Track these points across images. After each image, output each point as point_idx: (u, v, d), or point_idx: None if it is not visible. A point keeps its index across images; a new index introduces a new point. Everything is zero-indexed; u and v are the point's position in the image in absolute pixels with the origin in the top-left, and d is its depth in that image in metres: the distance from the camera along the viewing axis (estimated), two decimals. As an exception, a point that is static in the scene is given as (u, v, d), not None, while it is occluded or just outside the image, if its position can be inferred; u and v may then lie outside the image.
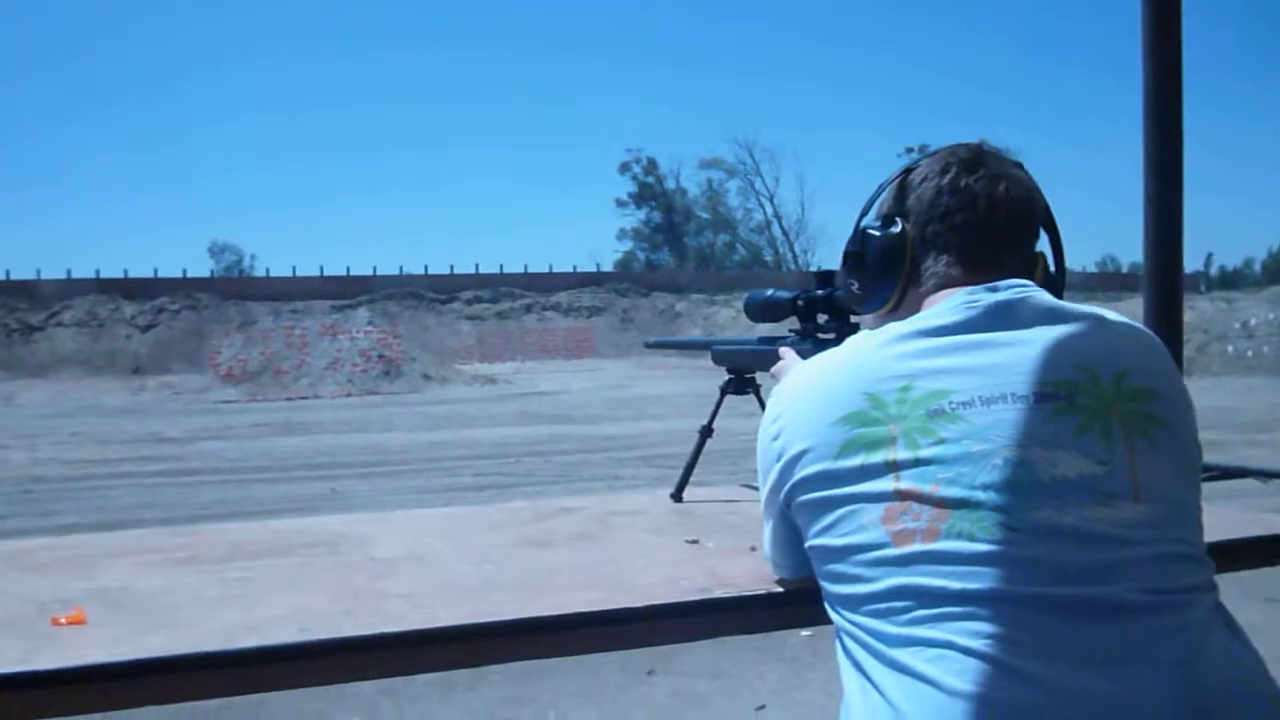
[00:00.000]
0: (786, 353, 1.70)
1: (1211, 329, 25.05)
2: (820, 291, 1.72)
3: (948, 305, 1.16)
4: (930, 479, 1.04)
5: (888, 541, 1.05)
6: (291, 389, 24.51)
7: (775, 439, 1.17)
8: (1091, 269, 50.10)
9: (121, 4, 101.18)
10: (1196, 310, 24.92)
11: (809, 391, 1.16)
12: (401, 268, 41.33)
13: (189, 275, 38.76)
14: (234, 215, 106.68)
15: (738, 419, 2.09)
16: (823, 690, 3.73)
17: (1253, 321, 25.14)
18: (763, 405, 1.29)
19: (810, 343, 1.72)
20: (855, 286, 1.33)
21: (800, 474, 1.13)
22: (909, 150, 39.15)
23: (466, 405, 19.79)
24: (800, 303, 1.75)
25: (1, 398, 23.65)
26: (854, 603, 1.08)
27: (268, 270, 43.54)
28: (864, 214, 1.33)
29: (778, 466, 1.16)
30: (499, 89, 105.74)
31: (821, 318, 1.75)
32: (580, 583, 1.40)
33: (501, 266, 42.38)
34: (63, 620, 1.23)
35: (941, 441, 1.05)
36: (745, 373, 1.99)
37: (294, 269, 40.29)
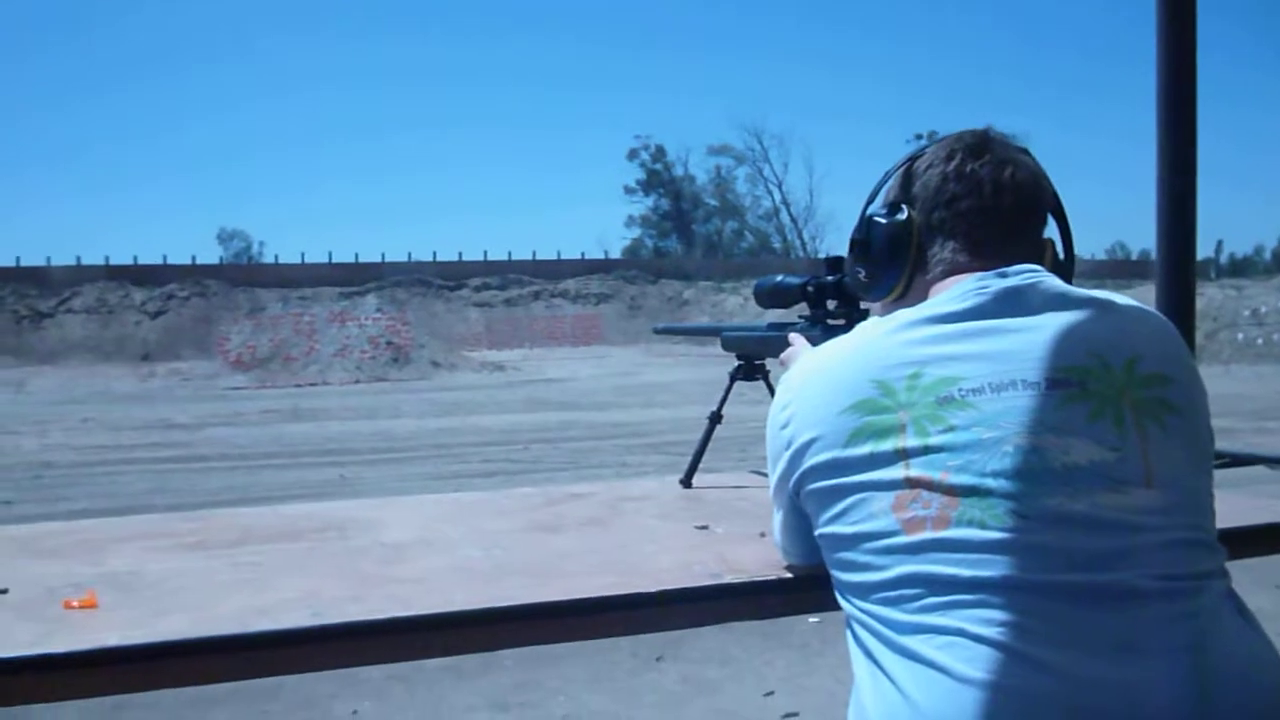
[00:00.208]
0: (796, 339, 1.70)
1: (1221, 316, 24.95)
2: (830, 278, 1.72)
3: (957, 291, 1.15)
4: (940, 466, 1.04)
5: (898, 529, 1.05)
6: (300, 375, 24.54)
7: (784, 427, 1.17)
8: (1101, 256, 50.03)
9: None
10: (1206, 297, 24.77)
11: (818, 379, 1.16)
12: (410, 254, 41.35)
13: (198, 262, 38.88)
14: (243, 202, 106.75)
15: (747, 406, 2.09)
16: (831, 676, 3.74)
17: (1262, 309, 25.03)
18: (772, 392, 1.28)
19: (820, 329, 1.71)
20: (862, 274, 1.33)
21: (809, 462, 1.13)
22: (917, 137, 38.99)
23: (474, 392, 19.80)
24: (810, 289, 1.75)
25: (12, 384, 23.72)
26: (864, 591, 1.07)
27: (276, 257, 43.59)
28: (870, 201, 1.33)
29: (787, 454, 1.16)
30: (508, 75, 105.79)
31: (831, 304, 1.74)
32: (590, 568, 1.40)
33: (510, 253, 42.42)
34: (75, 604, 1.23)
35: (951, 429, 1.05)
36: (755, 359, 1.99)
37: (303, 255, 40.41)
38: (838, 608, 1.14)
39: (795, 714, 3.51)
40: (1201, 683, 0.96)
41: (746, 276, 38.53)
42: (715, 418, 2.02)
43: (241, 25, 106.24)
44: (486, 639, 1.27)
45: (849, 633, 1.11)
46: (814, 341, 1.63)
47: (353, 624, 1.17)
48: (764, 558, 1.39)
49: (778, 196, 61.83)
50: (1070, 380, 1.07)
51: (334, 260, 40.36)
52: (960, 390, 1.07)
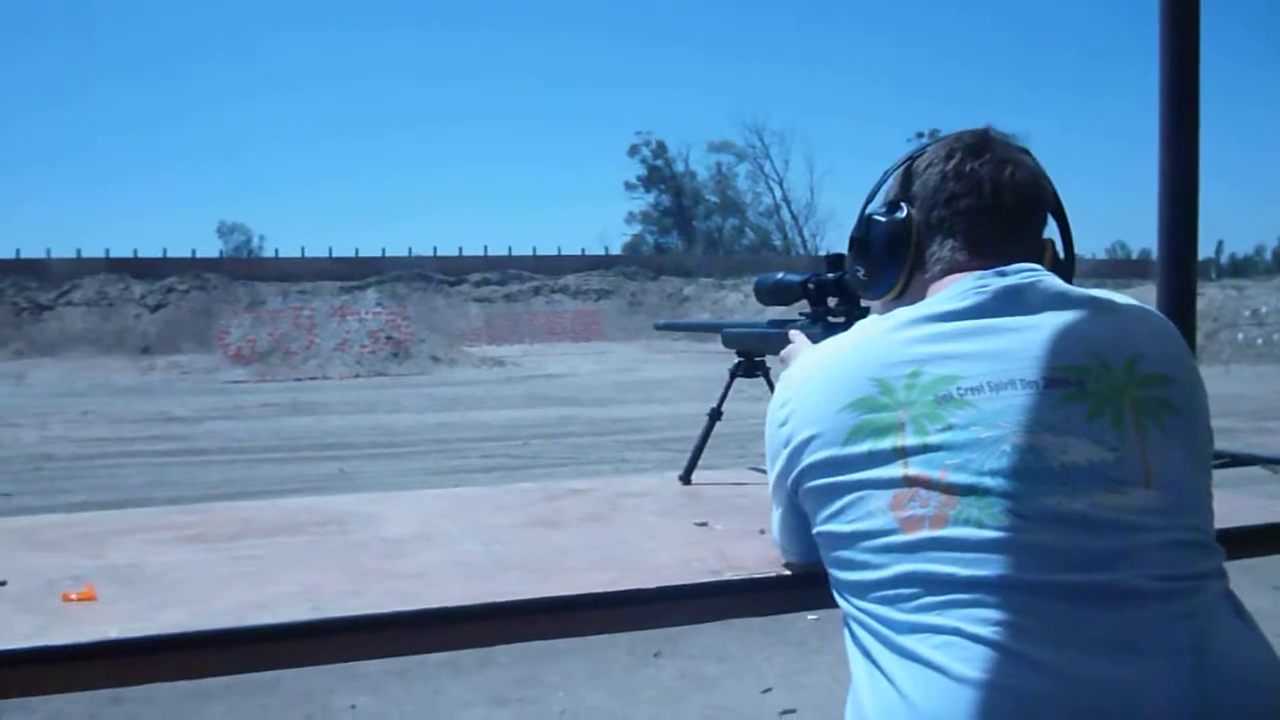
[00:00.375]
0: (797, 336, 1.70)
1: (1221, 316, 24.92)
2: (831, 275, 1.72)
3: (957, 290, 1.15)
4: (938, 465, 1.04)
5: (896, 528, 1.05)
6: (300, 369, 24.53)
7: (783, 424, 1.17)
8: (1101, 255, 49.96)
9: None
10: (1207, 297, 24.75)
11: (817, 377, 1.16)
12: (410, 249, 41.28)
13: (198, 255, 38.72)
14: (243, 195, 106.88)
15: (746, 402, 2.08)
16: (829, 674, 3.74)
17: (1263, 309, 25.00)
18: (772, 388, 1.28)
19: (820, 326, 1.71)
20: (861, 272, 1.33)
21: (808, 460, 1.13)
22: (919, 135, 38.97)
23: (474, 387, 19.80)
24: (811, 286, 1.75)
25: (12, 376, 23.74)
26: (861, 589, 1.07)
27: (276, 251, 43.59)
28: (869, 200, 1.33)
29: (785, 452, 1.16)
30: (509, 70, 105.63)
31: (832, 301, 1.74)
32: (590, 563, 1.40)
33: (510, 249, 42.38)
34: (73, 596, 1.23)
35: (950, 427, 1.05)
36: (755, 356, 1.99)
37: (303, 249, 40.26)
38: (836, 605, 1.14)
39: (793, 711, 3.52)
40: (1200, 683, 0.96)
41: (747, 273, 38.53)
42: (715, 414, 2.02)
43: (243, 19, 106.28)
44: (485, 634, 1.28)
45: (846, 631, 1.11)
46: (814, 339, 1.63)
47: (352, 618, 1.18)
48: (763, 554, 1.39)
49: (778, 193, 61.85)
50: (1069, 379, 1.07)
51: (334, 254, 40.29)
52: (959, 389, 1.07)
